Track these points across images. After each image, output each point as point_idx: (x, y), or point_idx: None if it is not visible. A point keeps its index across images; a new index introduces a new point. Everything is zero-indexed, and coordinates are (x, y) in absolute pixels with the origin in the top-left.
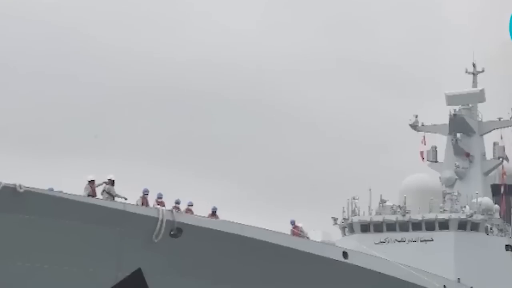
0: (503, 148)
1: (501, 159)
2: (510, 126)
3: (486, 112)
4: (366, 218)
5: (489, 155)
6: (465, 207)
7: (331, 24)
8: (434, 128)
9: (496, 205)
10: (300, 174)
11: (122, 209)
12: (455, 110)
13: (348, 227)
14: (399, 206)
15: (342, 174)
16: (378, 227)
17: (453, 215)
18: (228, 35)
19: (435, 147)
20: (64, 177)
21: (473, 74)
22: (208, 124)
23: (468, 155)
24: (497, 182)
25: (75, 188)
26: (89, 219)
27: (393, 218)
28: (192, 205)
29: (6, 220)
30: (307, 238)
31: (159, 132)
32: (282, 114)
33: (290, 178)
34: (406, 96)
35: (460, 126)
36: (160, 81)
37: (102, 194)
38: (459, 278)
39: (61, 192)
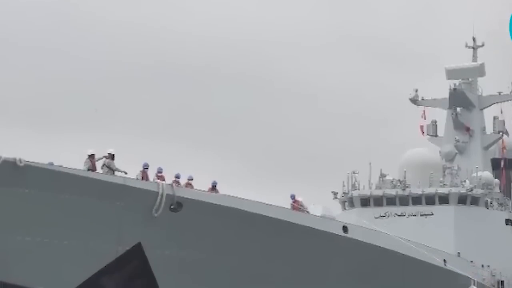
0: (503, 122)
1: (501, 133)
2: (510, 100)
3: (486, 86)
4: (366, 192)
5: (489, 129)
6: (465, 181)
7: None
8: (434, 102)
9: (496, 179)
10: (300, 148)
11: (122, 183)
12: (455, 84)
13: (348, 201)
14: (399, 180)
15: (342, 148)
16: (378, 201)
17: (453, 190)
18: (228, 8)
19: (435, 121)
20: (64, 151)
21: (473, 48)
22: (208, 98)
23: (468, 129)
24: (497, 156)
25: (75, 162)
26: (89, 193)
27: (393, 192)
28: (192, 180)
29: (6, 194)
30: (307, 212)
31: (159, 106)
32: (282, 88)
33: (290, 152)
34: (406, 70)
35: (460, 100)
36: (159, 55)
37: (102, 168)
38: (459, 252)
39: (61, 166)
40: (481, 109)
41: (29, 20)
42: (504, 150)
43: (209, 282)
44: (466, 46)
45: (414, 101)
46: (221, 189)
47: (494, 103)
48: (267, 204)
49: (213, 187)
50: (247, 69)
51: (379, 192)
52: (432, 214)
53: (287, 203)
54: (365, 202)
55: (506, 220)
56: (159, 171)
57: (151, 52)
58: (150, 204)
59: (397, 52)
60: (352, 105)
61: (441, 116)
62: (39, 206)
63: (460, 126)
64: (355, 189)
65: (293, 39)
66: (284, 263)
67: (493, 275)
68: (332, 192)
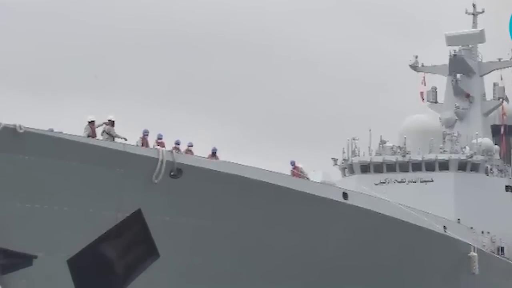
0: (503, 88)
1: (501, 99)
2: (510, 66)
3: (486, 52)
4: (366, 158)
5: (489, 95)
6: (465, 147)
7: None
8: (434, 69)
9: (496, 146)
10: (300, 114)
11: (122, 149)
12: (455, 50)
13: (348, 168)
14: (399, 146)
15: (342, 115)
16: (378, 168)
17: (453, 156)
18: None
19: (435, 88)
20: (64, 117)
21: (473, 14)
22: (208, 65)
23: (468, 95)
24: (497, 122)
25: (75, 129)
26: (89, 160)
27: (393, 158)
28: (192, 146)
29: (6, 160)
30: (307, 178)
31: (159, 73)
32: (282, 54)
33: (290, 118)
34: (406, 36)
35: (460, 67)
36: (160, 22)
37: (102, 134)
38: (459, 219)
39: (61, 132)
40: (481, 76)
41: None
42: (504, 117)
43: (209, 248)
44: (466, 12)
45: (414, 67)
46: (221, 155)
47: (494, 70)
48: (267, 170)
49: (213, 154)
50: (247, 35)
51: (379, 159)
52: (432, 181)
53: (287, 170)
54: (365, 168)
55: (506, 186)
56: (159, 137)
57: (151, 18)
58: (150, 170)
59: (398, 18)
60: (352, 70)
61: (441, 82)
62: (39, 173)
63: (460, 93)
64: (355, 156)
65: (293, 4)
66: (284, 230)
67: (493, 242)
68: (332, 158)
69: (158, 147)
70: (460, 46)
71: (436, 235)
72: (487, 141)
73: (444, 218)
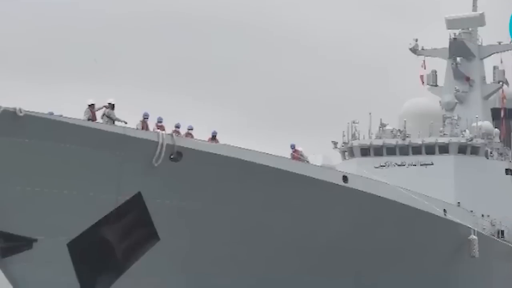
0: (503, 72)
1: (501, 83)
2: (510, 50)
3: (486, 36)
4: (366, 142)
5: (489, 79)
6: (465, 131)
7: None
8: (434, 52)
9: (496, 129)
10: (300, 98)
11: (122, 133)
12: (455, 34)
13: (348, 151)
14: (399, 130)
15: (342, 98)
16: (378, 151)
17: (453, 139)
18: None
19: (435, 71)
20: (64, 101)
21: None
22: (208, 49)
23: (468, 79)
24: (497, 106)
25: (75, 112)
26: (89, 143)
27: (393, 142)
28: (192, 129)
29: (5, 144)
30: (307, 162)
31: (159, 57)
32: (282, 38)
33: (290, 102)
34: (406, 20)
35: (460, 50)
36: (160, 6)
37: (102, 118)
38: (459, 202)
39: (61, 116)
40: (481, 59)
41: None
42: (504, 100)
43: (209, 232)
44: None
45: (414, 50)
46: (221, 139)
47: (494, 53)
48: (267, 153)
49: (213, 137)
50: (247, 18)
51: (379, 142)
52: (432, 164)
53: (287, 153)
54: (365, 151)
55: (506, 170)
56: (159, 120)
57: (151, 2)
58: (150, 153)
59: (397, 1)
60: (352, 54)
61: (441, 66)
62: (39, 156)
63: (460, 76)
64: (355, 139)
65: None
66: (284, 213)
67: (493, 225)
68: (332, 141)
69: (158, 130)
70: (460, 30)
71: (436, 219)
72: (487, 124)
73: (444, 201)
